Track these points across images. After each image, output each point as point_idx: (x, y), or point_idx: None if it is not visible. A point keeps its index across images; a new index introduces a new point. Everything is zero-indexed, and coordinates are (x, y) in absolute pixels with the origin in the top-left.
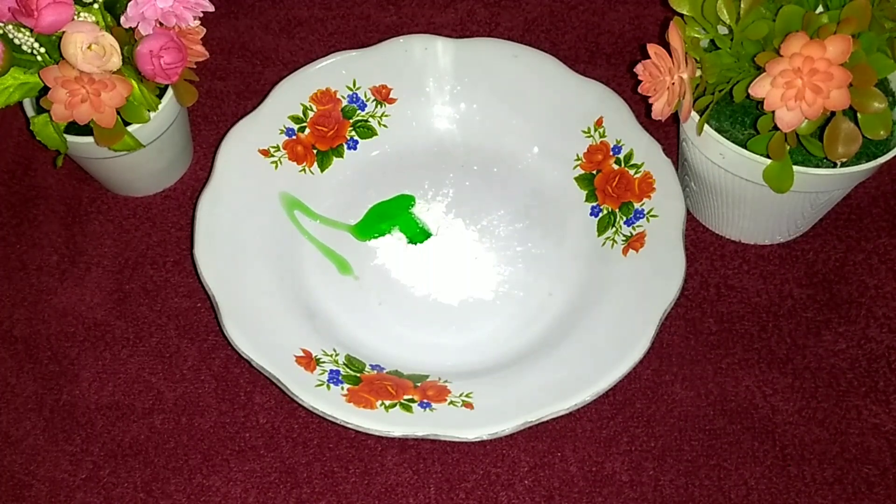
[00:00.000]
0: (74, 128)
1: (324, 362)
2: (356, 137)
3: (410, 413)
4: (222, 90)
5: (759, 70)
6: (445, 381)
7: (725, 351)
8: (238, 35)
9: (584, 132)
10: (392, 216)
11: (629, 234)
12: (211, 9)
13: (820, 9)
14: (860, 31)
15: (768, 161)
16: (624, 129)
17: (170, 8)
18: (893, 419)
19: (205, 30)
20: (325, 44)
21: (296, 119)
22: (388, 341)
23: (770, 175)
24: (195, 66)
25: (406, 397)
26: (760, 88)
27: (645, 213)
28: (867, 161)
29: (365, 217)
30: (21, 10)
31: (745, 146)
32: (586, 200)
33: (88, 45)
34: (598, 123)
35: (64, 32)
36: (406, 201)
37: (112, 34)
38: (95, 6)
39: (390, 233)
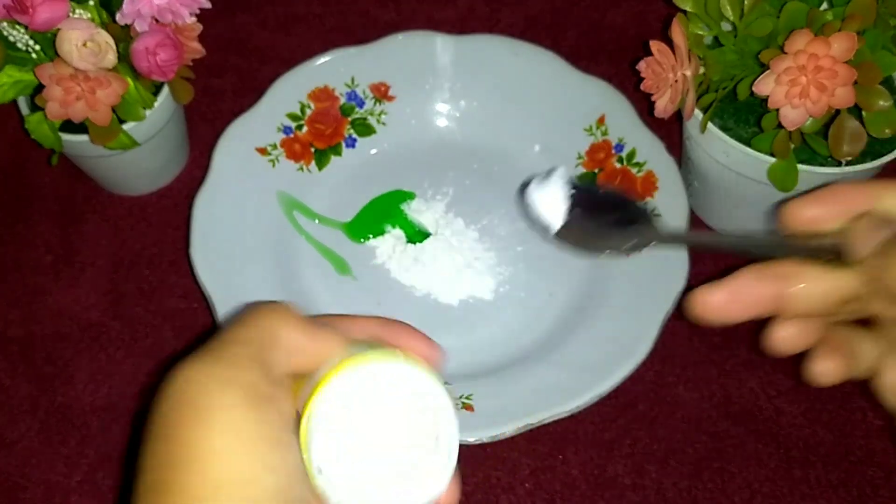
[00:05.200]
0: (69, 126)
1: None
2: (354, 135)
3: None
4: (219, 87)
5: (763, 67)
6: (445, 383)
7: (729, 352)
8: (235, 32)
9: (586, 130)
10: (387, 215)
11: None
12: (207, 5)
13: (824, 5)
14: (865, 28)
15: (772, 159)
16: (626, 127)
17: (166, 4)
18: None
19: (201, 26)
20: (323, 41)
21: (293, 117)
22: None
23: (774, 173)
24: (191, 64)
25: None
26: (764, 86)
27: None
28: (872, 160)
29: (358, 215)
30: (16, 7)
31: (749, 144)
32: None
33: (84, 42)
34: (601, 121)
35: (59, 29)
36: (401, 196)
37: (107, 31)
38: (91, 3)
39: (384, 233)
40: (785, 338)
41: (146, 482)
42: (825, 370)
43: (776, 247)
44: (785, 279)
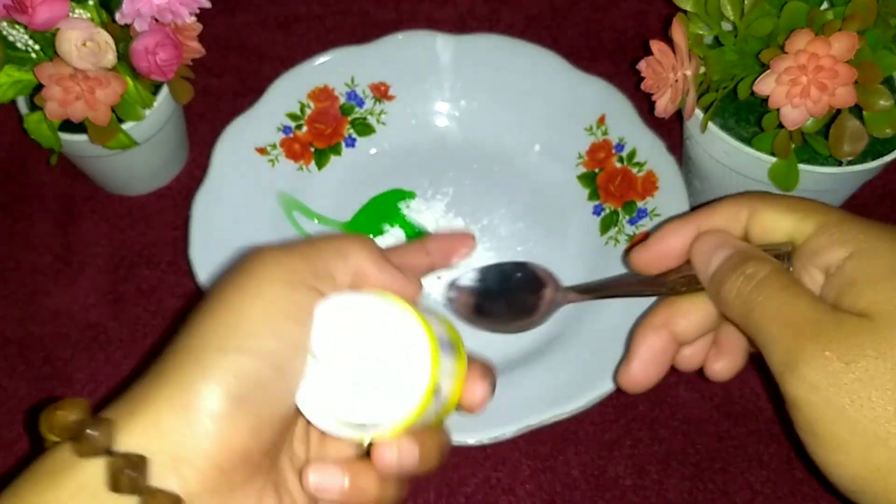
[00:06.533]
0: (69, 126)
1: None
2: (354, 135)
3: None
4: (218, 87)
5: (764, 67)
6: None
7: None
8: (235, 31)
9: (587, 130)
10: (386, 215)
11: (632, 234)
12: (207, 5)
13: (825, 5)
14: (865, 28)
15: (773, 159)
16: (627, 127)
17: (165, 4)
18: None
19: (201, 26)
20: (323, 40)
21: (293, 116)
22: None
23: (775, 173)
24: (191, 63)
25: None
26: (765, 85)
27: (648, 212)
28: (873, 159)
29: (358, 215)
30: (16, 6)
31: (749, 144)
32: (588, 199)
33: (83, 41)
34: (601, 121)
35: (59, 29)
36: (401, 196)
37: (107, 31)
38: (91, 3)
39: (384, 233)
40: (685, 357)
41: (188, 322)
42: (719, 369)
43: (653, 285)
44: (665, 325)
